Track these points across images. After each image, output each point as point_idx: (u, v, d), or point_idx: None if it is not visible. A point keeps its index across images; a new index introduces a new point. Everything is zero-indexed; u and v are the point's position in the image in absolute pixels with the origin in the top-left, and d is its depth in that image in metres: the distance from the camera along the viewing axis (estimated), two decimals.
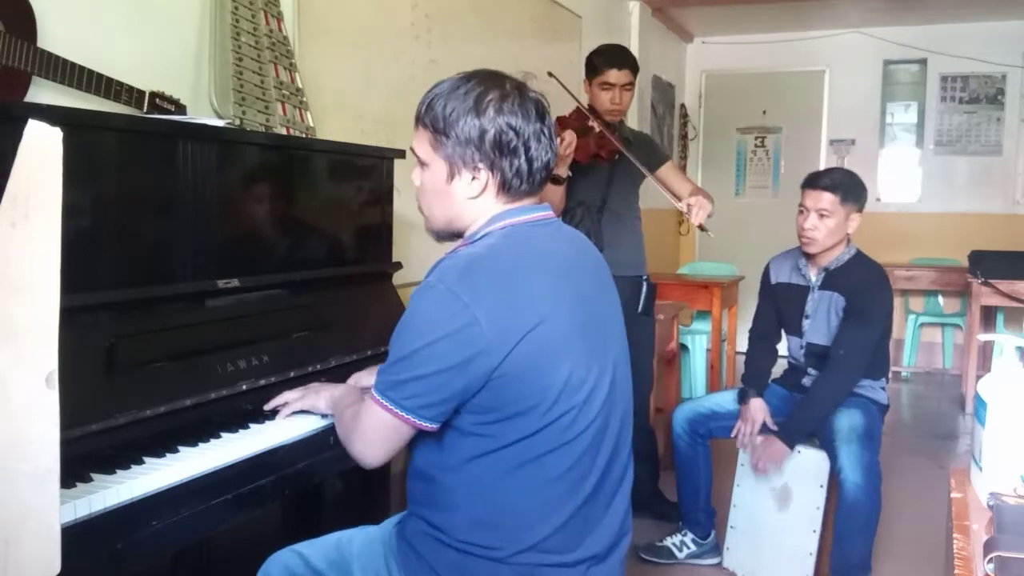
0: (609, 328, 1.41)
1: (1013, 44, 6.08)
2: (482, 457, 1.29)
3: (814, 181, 2.65)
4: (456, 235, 1.40)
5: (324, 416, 1.62)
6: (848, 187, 2.62)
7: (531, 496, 1.29)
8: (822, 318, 2.68)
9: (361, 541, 1.46)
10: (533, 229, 1.36)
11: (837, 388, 2.59)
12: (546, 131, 1.34)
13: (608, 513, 1.38)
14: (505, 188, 1.33)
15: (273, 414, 1.64)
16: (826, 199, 2.59)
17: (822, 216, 2.60)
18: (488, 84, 1.32)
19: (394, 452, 1.34)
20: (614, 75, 2.98)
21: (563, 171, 2.72)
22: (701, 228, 2.65)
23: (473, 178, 1.32)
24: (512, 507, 1.29)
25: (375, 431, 1.31)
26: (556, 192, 2.81)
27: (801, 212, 2.65)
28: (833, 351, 2.60)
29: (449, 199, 1.35)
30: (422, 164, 1.37)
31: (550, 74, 2.77)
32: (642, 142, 3.21)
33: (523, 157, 1.31)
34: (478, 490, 1.30)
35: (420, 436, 1.32)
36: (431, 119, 1.33)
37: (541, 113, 1.34)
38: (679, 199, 2.76)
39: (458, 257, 1.30)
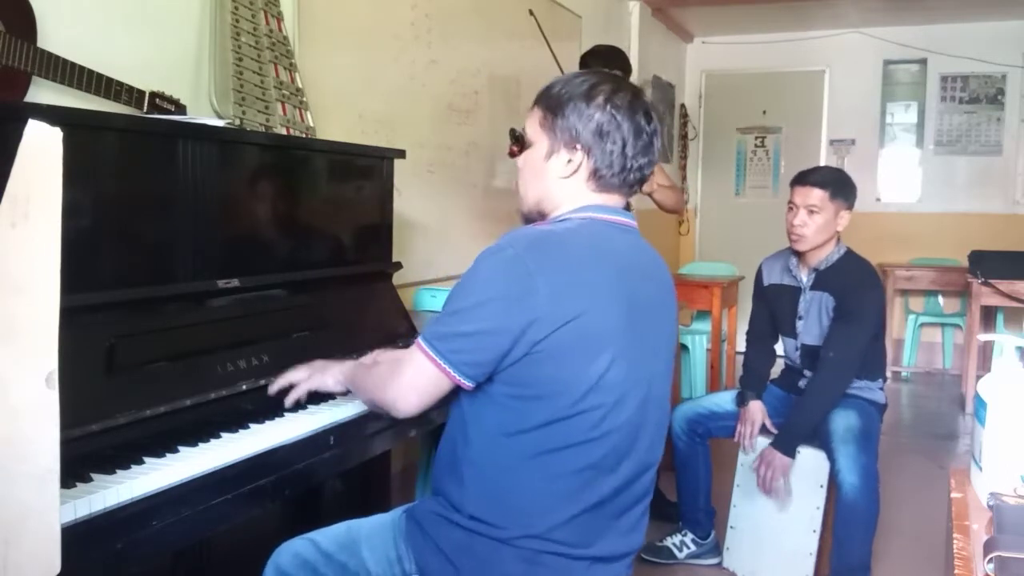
0: (657, 344, 1.42)
1: (1013, 44, 6.08)
2: (506, 437, 1.31)
3: (803, 178, 2.66)
4: (542, 218, 1.44)
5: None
6: (837, 184, 2.63)
7: (544, 485, 1.31)
8: (814, 319, 2.68)
9: (371, 525, 1.48)
10: (611, 229, 1.40)
11: (828, 391, 2.58)
12: (647, 136, 1.38)
13: (621, 522, 1.40)
14: (596, 175, 1.38)
15: (272, 414, 1.63)
16: (815, 195, 2.59)
17: (811, 212, 2.59)
18: (606, 79, 1.40)
19: (429, 404, 1.33)
20: None
21: None
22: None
23: (569, 160, 1.38)
24: (524, 491, 1.31)
25: (415, 379, 1.31)
26: None
27: (790, 209, 2.65)
28: (823, 353, 2.59)
29: (543, 177, 1.41)
30: (527, 144, 1.44)
31: (531, 12, 2.80)
32: None
33: (619, 150, 1.36)
34: (495, 468, 1.32)
35: (455, 404, 1.36)
36: (546, 99, 1.41)
37: (648, 117, 1.39)
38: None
39: (532, 229, 1.34)
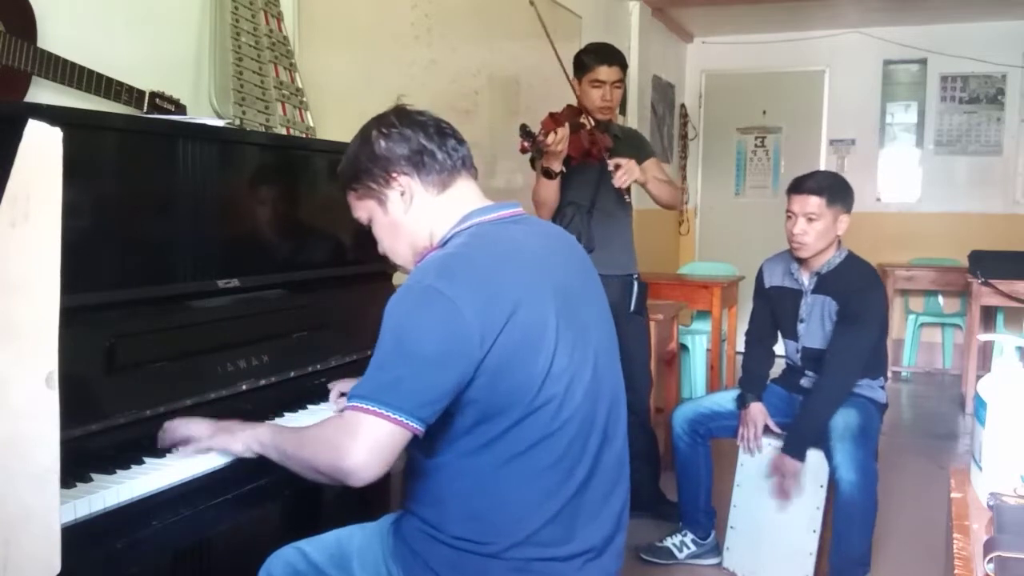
0: (589, 316, 1.41)
1: (1013, 44, 6.08)
2: (473, 453, 1.30)
3: (799, 186, 2.65)
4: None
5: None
6: (834, 189, 2.62)
7: (523, 488, 1.30)
8: (816, 322, 2.68)
9: (360, 538, 1.47)
10: (501, 226, 1.39)
11: (834, 394, 2.58)
12: (431, 124, 1.42)
13: (606, 505, 1.39)
14: (428, 180, 1.40)
15: (272, 415, 1.63)
16: (813, 202, 2.59)
17: (810, 220, 2.59)
18: (367, 122, 1.45)
19: (391, 462, 1.24)
20: (604, 72, 2.97)
21: (556, 166, 2.73)
22: (621, 190, 2.88)
23: (401, 192, 1.40)
24: (504, 500, 1.30)
25: (375, 441, 1.21)
26: (550, 188, 2.81)
27: (789, 218, 2.65)
28: (828, 356, 2.59)
29: (396, 225, 1.42)
30: (368, 223, 1.46)
31: (531, 2, 2.88)
32: (630, 138, 3.22)
33: (421, 146, 1.39)
34: (470, 485, 1.31)
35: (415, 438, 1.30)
36: (344, 180, 1.46)
37: (422, 113, 1.44)
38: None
39: (432, 259, 1.33)
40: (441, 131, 1.42)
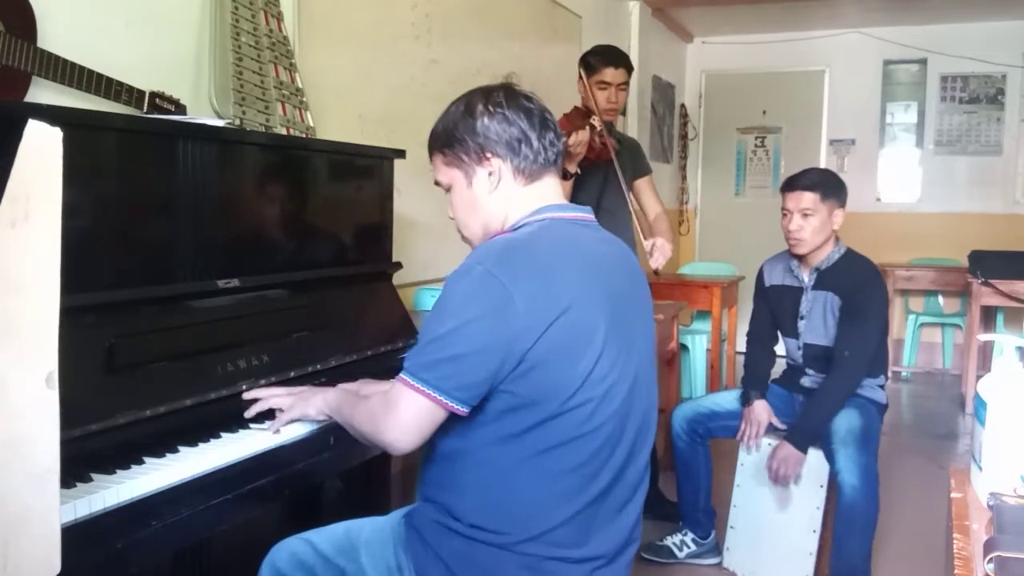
0: (636, 331, 1.42)
1: (1013, 44, 6.08)
2: (499, 443, 1.31)
3: (793, 183, 2.69)
4: None
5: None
6: (827, 184, 2.66)
7: (543, 486, 1.31)
8: (818, 318, 2.69)
9: (370, 529, 1.47)
10: (572, 226, 1.41)
11: (843, 388, 2.59)
12: (537, 112, 1.41)
13: (621, 516, 1.40)
14: (519, 171, 1.40)
15: (273, 414, 1.63)
16: (807, 198, 2.63)
17: (806, 215, 2.62)
18: (474, 92, 1.45)
19: (427, 436, 1.31)
20: (611, 74, 2.99)
21: (573, 167, 2.75)
22: (656, 272, 2.79)
23: (490, 173, 1.40)
24: (523, 495, 1.31)
25: (408, 415, 1.28)
26: (564, 188, 2.82)
27: (784, 215, 2.68)
28: (837, 353, 2.60)
29: (476, 203, 1.43)
30: (447, 188, 1.46)
31: (580, 71, 2.99)
32: (630, 148, 3.23)
33: (523, 136, 1.39)
34: (491, 475, 1.32)
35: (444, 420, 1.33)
36: (436, 142, 1.46)
37: (529, 99, 1.43)
38: (648, 235, 2.91)
39: (496, 242, 1.34)
40: (544, 122, 1.42)
